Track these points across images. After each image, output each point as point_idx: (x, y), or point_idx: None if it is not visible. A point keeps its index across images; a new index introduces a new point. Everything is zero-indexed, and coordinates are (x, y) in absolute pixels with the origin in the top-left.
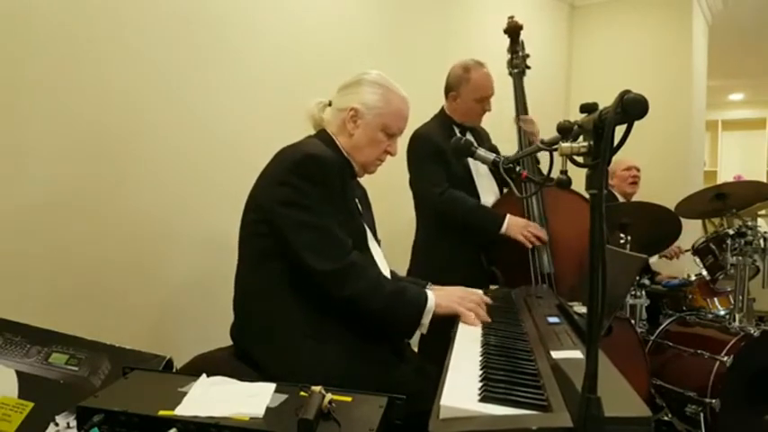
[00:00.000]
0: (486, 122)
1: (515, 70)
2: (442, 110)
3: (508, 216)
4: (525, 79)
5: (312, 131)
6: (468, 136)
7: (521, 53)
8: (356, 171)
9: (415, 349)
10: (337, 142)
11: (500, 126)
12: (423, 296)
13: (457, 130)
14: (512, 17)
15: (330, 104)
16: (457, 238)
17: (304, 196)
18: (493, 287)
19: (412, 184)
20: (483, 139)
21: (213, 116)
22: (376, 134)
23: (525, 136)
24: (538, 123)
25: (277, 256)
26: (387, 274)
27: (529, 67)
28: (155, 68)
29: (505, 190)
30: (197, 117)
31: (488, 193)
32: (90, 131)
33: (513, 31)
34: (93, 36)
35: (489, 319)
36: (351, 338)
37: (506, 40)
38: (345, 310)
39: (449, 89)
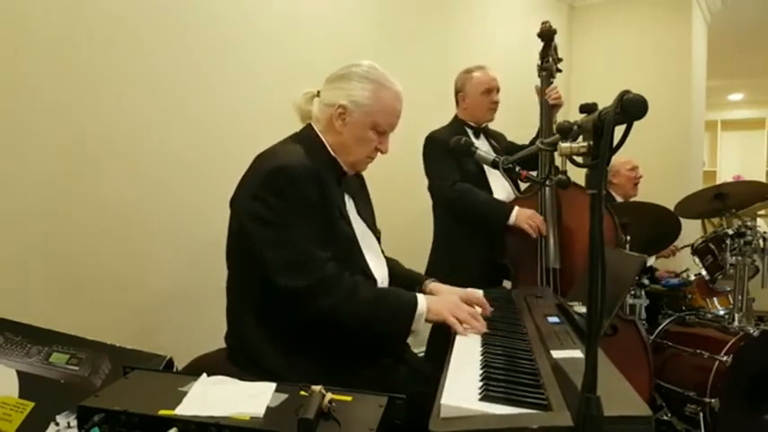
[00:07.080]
0: (510, 125)
1: (544, 73)
2: (455, 116)
3: (516, 207)
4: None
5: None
6: (482, 139)
7: (551, 58)
8: (345, 169)
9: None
10: (324, 141)
11: (525, 127)
12: (412, 301)
13: (470, 132)
14: (546, 22)
15: (318, 95)
16: (469, 233)
17: (275, 213)
18: (506, 282)
19: (428, 183)
20: (498, 140)
21: (208, 116)
22: (365, 133)
23: (548, 109)
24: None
25: (256, 269)
26: (381, 270)
27: (560, 71)
28: (150, 70)
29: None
30: (192, 118)
31: (500, 191)
32: (85, 132)
33: (547, 35)
34: (88, 37)
35: (483, 330)
36: (342, 351)
37: (508, 40)
38: (322, 323)
39: (456, 93)
